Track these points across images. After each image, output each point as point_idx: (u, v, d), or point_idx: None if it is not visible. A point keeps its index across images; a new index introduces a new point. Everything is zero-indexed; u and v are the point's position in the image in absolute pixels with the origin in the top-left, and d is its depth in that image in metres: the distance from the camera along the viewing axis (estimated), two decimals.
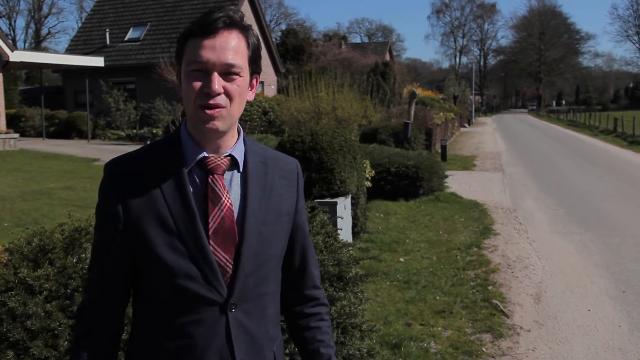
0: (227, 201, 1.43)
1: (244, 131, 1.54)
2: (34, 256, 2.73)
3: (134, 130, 24.92)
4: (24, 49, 49.93)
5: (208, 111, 1.37)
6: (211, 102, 1.37)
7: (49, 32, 69.63)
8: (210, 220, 1.41)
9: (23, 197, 9.89)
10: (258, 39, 1.47)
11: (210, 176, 1.42)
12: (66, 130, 25.64)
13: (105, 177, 1.44)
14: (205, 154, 1.43)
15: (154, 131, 23.64)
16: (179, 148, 1.44)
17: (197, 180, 1.43)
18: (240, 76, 1.41)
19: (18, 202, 9.45)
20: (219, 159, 1.44)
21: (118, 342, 1.52)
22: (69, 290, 2.54)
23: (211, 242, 1.40)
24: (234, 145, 1.47)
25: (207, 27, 1.38)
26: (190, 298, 1.39)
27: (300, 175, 1.62)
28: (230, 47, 1.39)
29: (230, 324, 1.42)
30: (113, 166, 1.45)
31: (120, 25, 30.80)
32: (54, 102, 28.73)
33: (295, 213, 1.59)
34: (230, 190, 1.45)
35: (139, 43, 29.54)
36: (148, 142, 21.89)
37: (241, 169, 1.48)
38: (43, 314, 2.39)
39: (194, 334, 1.39)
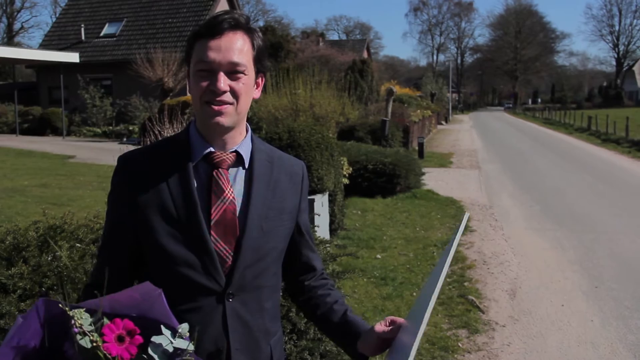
0: (230, 195, 1.49)
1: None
2: (7, 254, 2.70)
3: (110, 127, 24.65)
4: None
5: (215, 107, 1.44)
6: (217, 99, 1.44)
7: (22, 27, 68.35)
8: (212, 211, 1.46)
9: None
10: (263, 40, 1.55)
11: (215, 170, 1.49)
12: (40, 127, 25.23)
13: (117, 168, 1.52)
14: (211, 149, 1.50)
15: (131, 128, 23.42)
16: (187, 143, 1.51)
17: (203, 174, 1.49)
18: (245, 74, 1.47)
19: None
20: (224, 154, 1.50)
21: None
22: (43, 289, 2.51)
23: (212, 232, 1.46)
24: (240, 142, 1.54)
25: (213, 29, 1.45)
26: (189, 285, 1.45)
27: (305, 177, 1.68)
28: (235, 47, 1.45)
29: (227, 313, 1.47)
30: (125, 158, 1.53)
31: (95, 20, 30.40)
32: (27, 99, 28.24)
33: (298, 212, 1.65)
34: (234, 185, 1.51)
35: (114, 39, 29.20)
36: (124, 139, 21.71)
37: (246, 166, 1.54)
38: (17, 312, 2.36)
39: (190, 321, 1.40)
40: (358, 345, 1.57)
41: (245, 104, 1.49)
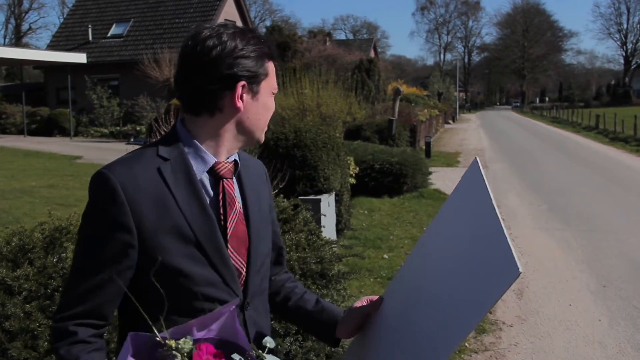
0: (239, 205, 1.48)
1: None
2: (13, 256, 2.71)
3: (118, 128, 24.73)
4: (4, 45, 49.34)
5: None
6: None
7: (30, 28, 68.67)
8: (228, 225, 1.44)
9: (3, 195, 9.77)
10: None
11: (224, 181, 1.45)
12: (48, 128, 25.34)
13: (108, 187, 1.35)
14: (215, 159, 1.45)
15: (138, 128, 23.48)
16: (182, 154, 1.43)
17: (208, 186, 1.44)
18: None
19: None
20: (226, 163, 1.47)
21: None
22: (49, 290, 2.51)
23: (229, 246, 1.43)
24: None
25: (275, 53, 1.51)
26: (210, 303, 1.39)
27: (267, 174, 1.73)
28: None
29: (246, 323, 1.47)
30: (116, 175, 1.36)
31: (102, 21, 30.50)
32: (35, 99, 28.37)
33: (270, 210, 1.67)
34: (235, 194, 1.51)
35: (122, 39, 29.29)
36: (131, 140, 21.76)
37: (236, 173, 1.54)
38: (22, 314, 2.37)
39: None
40: (338, 327, 1.63)
41: None
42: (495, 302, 1.25)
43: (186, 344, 1.19)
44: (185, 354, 1.19)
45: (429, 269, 1.52)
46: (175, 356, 1.17)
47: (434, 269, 1.50)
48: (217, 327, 1.27)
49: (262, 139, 1.53)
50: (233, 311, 1.27)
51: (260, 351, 1.29)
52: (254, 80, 1.44)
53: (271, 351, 1.35)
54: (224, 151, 1.47)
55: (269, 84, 1.48)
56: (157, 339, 1.19)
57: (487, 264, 1.32)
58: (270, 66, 1.48)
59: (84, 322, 1.36)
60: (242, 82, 1.42)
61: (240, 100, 1.43)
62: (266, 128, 1.53)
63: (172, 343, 1.19)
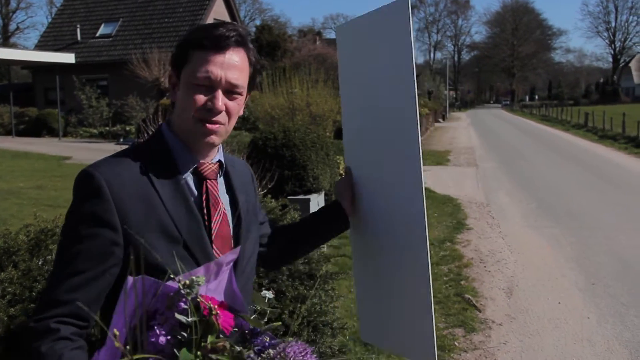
0: (223, 206, 1.46)
1: None
2: None
3: (107, 128, 24.60)
4: None
5: (209, 125, 1.39)
6: (213, 118, 1.38)
7: (18, 28, 68.23)
8: (213, 225, 1.42)
9: None
10: (257, 56, 1.49)
11: (208, 182, 1.44)
12: (37, 128, 25.15)
13: (94, 184, 1.33)
14: (198, 159, 1.45)
15: (127, 129, 23.37)
16: (168, 153, 1.42)
17: (192, 187, 1.43)
18: (241, 95, 1.44)
19: None
20: (211, 164, 1.46)
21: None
22: (33, 294, 2.48)
23: (214, 246, 1.42)
24: (218, 151, 1.50)
25: (218, 42, 1.38)
26: None
27: (253, 174, 1.72)
28: (237, 66, 1.40)
29: None
30: (101, 173, 1.34)
31: (91, 20, 30.34)
32: (23, 100, 28.16)
33: (257, 210, 1.68)
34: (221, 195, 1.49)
35: (110, 39, 29.15)
36: (121, 140, 21.64)
37: (222, 174, 1.52)
38: (6, 318, 2.34)
39: None
40: (344, 207, 1.82)
41: (234, 123, 1.46)
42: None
43: (200, 279, 1.14)
44: (195, 295, 1.14)
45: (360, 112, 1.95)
46: (188, 295, 1.13)
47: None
48: (215, 287, 1.24)
49: (213, 141, 1.41)
50: (231, 272, 1.27)
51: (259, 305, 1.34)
52: (177, 70, 1.43)
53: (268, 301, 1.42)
54: (200, 150, 1.45)
55: (189, 74, 1.38)
56: (169, 283, 1.16)
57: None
58: (198, 54, 1.38)
59: (66, 321, 1.30)
60: (172, 71, 1.44)
61: (174, 91, 1.45)
62: (210, 134, 1.40)
63: (191, 281, 1.14)
